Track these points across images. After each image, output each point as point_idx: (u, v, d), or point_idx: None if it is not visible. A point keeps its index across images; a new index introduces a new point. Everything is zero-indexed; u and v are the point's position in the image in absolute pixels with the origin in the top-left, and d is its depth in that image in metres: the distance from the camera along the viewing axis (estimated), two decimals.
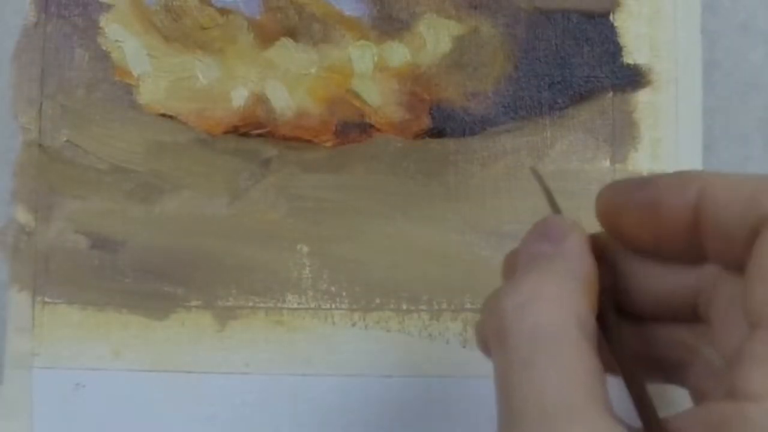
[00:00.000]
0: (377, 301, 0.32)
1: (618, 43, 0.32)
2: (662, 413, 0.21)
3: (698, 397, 0.23)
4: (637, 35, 0.32)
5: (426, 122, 0.32)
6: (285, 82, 0.33)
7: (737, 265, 0.21)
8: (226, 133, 0.33)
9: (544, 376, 0.20)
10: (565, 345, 0.20)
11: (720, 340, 0.22)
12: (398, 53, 0.33)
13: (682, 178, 0.22)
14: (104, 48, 0.33)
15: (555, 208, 0.25)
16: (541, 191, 0.25)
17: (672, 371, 0.24)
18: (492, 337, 0.21)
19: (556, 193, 0.31)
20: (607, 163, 0.32)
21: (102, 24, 0.33)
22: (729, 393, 0.19)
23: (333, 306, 0.32)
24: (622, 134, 0.32)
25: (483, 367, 0.32)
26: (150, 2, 0.33)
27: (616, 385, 0.22)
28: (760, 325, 0.19)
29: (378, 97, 0.32)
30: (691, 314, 0.23)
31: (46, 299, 0.32)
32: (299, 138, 0.33)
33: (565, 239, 0.23)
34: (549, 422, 0.19)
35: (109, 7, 0.33)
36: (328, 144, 0.32)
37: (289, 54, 0.33)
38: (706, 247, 0.22)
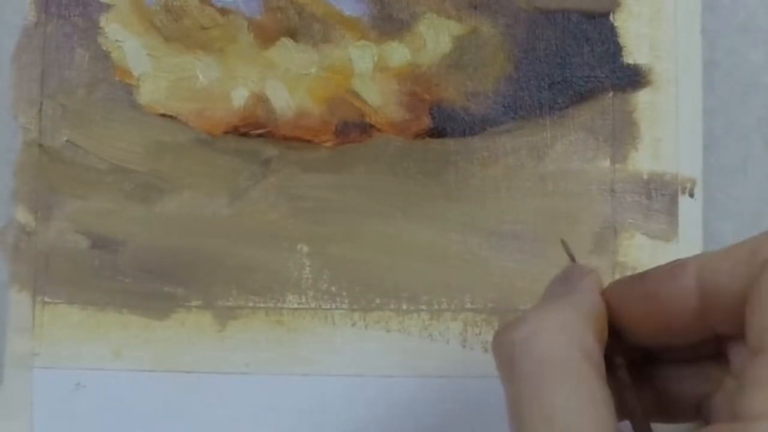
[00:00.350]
0: (377, 301, 0.32)
1: (618, 43, 0.32)
2: None
3: None
4: (637, 35, 0.32)
5: (426, 122, 0.32)
6: (285, 82, 0.33)
7: None
8: (226, 133, 0.33)
9: (550, 402, 0.21)
10: (571, 373, 0.21)
11: (735, 370, 0.23)
12: (398, 53, 0.33)
13: (675, 265, 0.23)
14: (104, 48, 0.33)
15: (573, 259, 0.27)
16: (566, 255, 0.27)
17: (692, 405, 0.24)
18: (502, 368, 0.22)
19: (556, 193, 0.32)
20: (607, 163, 0.32)
21: (102, 24, 0.33)
22: (732, 415, 0.20)
23: (333, 306, 0.32)
24: (622, 134, 0.32)
25: (483, 367, 0.32)
26: (150, 2, 0.33)
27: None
28: (761, 350, 0.20)
29: (378, 97, 0.32)
30: (715, 350, 0.23)
31: (46, 299, 0.32)
32: (299, 138, 0.33)
33: (579, 281, 0.24)
34: None
35: (109, 7, 0.33)
36: (328, 144, 0.33)
37: (289, 54, 0.33)
38: (719, 328, 0.22)
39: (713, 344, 0.23)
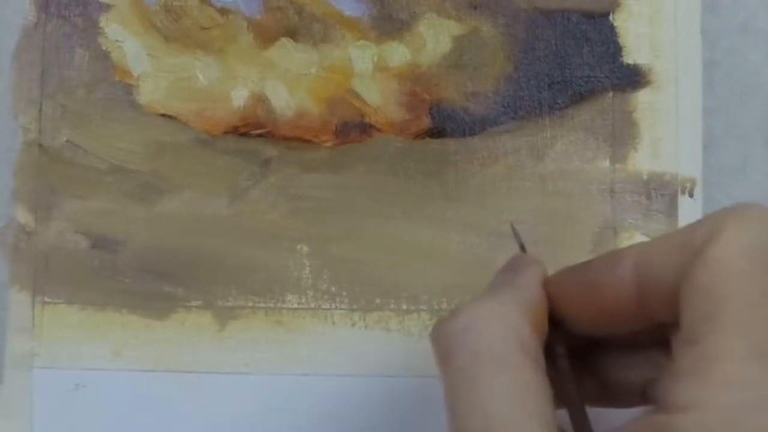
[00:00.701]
0: (377, 301, 0.32)
1: (618, 43, 0.32)
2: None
3: None
4: (637, 35, 0.32)
5: (426, 122, 0.32)
6: (285, 82, 0.33)
7: None
8: (226, 133, 0.33)
9: (486, 394, 0.21)
10: (505, 363, 0.21)
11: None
12: (398, 53, 0.33)
13: (613, 256, 0.23)
14: (104, 48, 0.33)
15: (522, 249, 0.27)
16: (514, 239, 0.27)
17: (637, 391, 0.24)
18: (438, 361, 0.23)
19: (556, 193, 0.31)
20: (607, 163, 0.32)
21: (102, 24, 0.33)
22: (661, 406, 0.20)
23: (333, 306, 0.32)
24: (622, 134, 0.32)
25: None
26: (150, 2, 0.33)
27: None
28: (692, 341, 0.20)
29: (378, 97, 0.32)
30: (659, 336, 0.23)
31: (46, 299, 0.32)
32: (299, 138, 0.33)
33: (521, 271, 0.24)
34: None
35: (109, 7, 0.33)
36: (328, 144, 0.33)
37: (289, 54, 0.33)
38: (657, 317, 0.22)
39: (656, 331, 0.23)
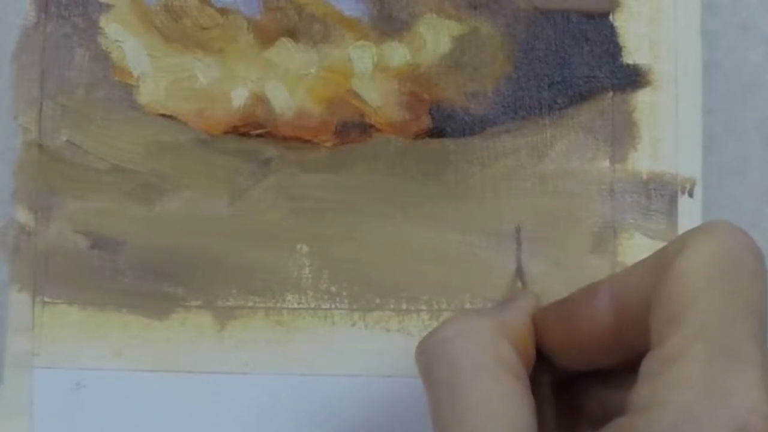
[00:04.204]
0: (377, 301, 0.32)
1: (618, 43, 0.32)
2: None
3: None
4: (637, 35, 0.32)
5: (426, 122, 0.32)
6: (285, 82, 0.33)
7: None
8: (226, 133, 0.33)
9: (463, 403, 0.21)
10: (483, 375, 0.22)
11: None
12: (398, 53, 0.33)
13: (590, 287, 0.24)
14: (104, 48, 0.33)
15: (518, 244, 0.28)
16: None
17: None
18: (421, 375, 0.23)
19: (556, 193, 0.32)
20: (607, 163, 0.32)
21: (102, 24, 0.33)
22: (626, 409, 0.20)
23: (333, 306, 0.32)
24: (622, 134, 0.32)
25: None
26: (150, 2, 0.33)
27: None
28: (654, 346, 0.21)
29: (378, 97, 0.32)
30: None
31: (46, 299, 0.32)
32: (299, 138, 0.33)
33: (511, 298, 0.25)
34: None
35: (109, 7, 0.33)
36: (328, 144, 0.33)
37: (289, 54, 0.33)
38: (637, 344, 0.22)
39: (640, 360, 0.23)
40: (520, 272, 0.28)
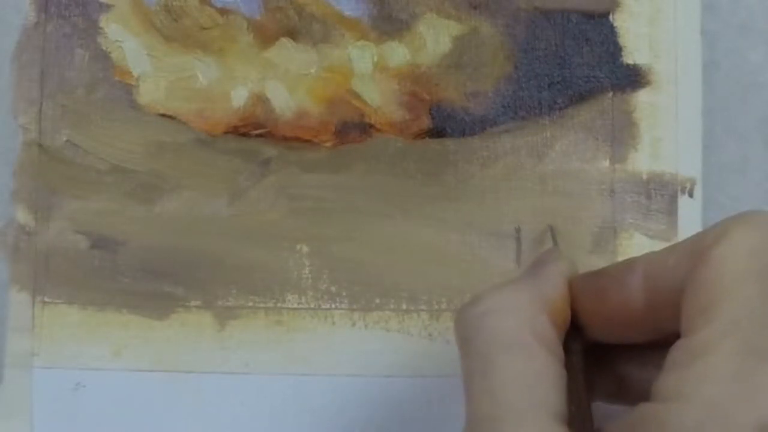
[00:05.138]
0: (377, 301, 0.32)
1: (618, 43, 0.32)
2: None
3: None
4: (637, 35, 0.32)
5: (426, 122, 0.32)
6: (285, 82, 0.33)
7: None
8: (226, 133, 0.33)
9: (496, 379, 0.21)
10: (518, 349, 0.22)
11: None
12: (398, 53, 0.33)
13: (625, 264, 0.23)
14: (104, 48, 0.33)
15: (555, 242, 0.28)
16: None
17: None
18: (459, 345, 0.23)
19: (556, 193, 0.32)
20: (607, 163, 0.32)
21: (102, 24, 0.33)
22: (651, 397, 0.20)
23: (333, 306, 0.32)
24: (622, 134, 0.32)
25: None
26: (150, 2, 0.33)
27: None
28: (684, 334, 0.21)
29: (378, 97, 0.32)
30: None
31: (46, 299, 0.32)
32: (299, 138, 0.33)
33: (546, 264, 0.25)
34: (496, 425, 0.21)
35: (109, 7, 0.33)
36: (328, 144, 0.33)
37: (289, 54, 0.33)
38: (666, 326, 0.22)
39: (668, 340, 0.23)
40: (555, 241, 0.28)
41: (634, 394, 0.25)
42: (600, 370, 0.25)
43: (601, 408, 0.25)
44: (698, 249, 0.21)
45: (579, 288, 0.24)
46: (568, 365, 0.23)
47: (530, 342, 0.22)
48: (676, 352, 0.20)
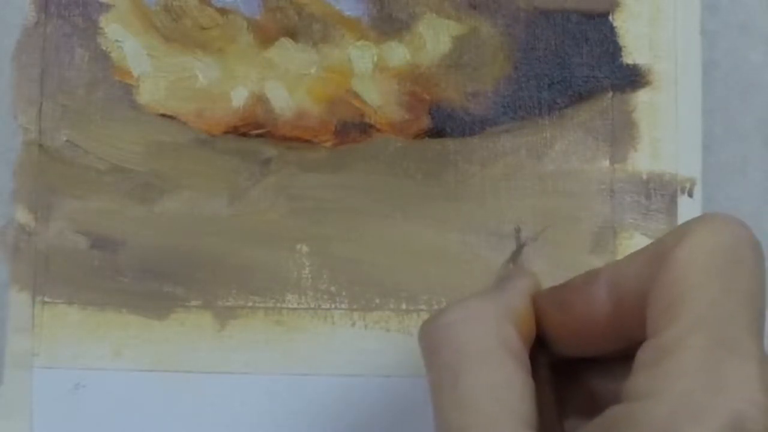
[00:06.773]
0: (377, 301, 0.32)
1: (618, 43, 0.32)
2: None
3: None
4: (637, 35, 0.32)
5: (426, 122, 0.32)
6: (285, 82, 0.33)
7: None
8: (226, 133, 0.33)
9: (466, 388, 0.21)
10: (487, 358, 0.22)
11: None
12: (398, 53, 0.33)
13: (588, 274, 0.23)
14: (104, 48, 0.33)
15: (514, 259, 0.28)
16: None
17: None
18: (424, 357, 0.23)
19: (556, 193, 0.32)
20: (607, 163, 0.32)
21: (102, 24, 0.33)
22: (622, 397, 0.20)
23: (333, 306, 0.32)
24: (622, 134, 0.32)
25: None
26: (150, 2, 0.33)
27: None
28: (649, 335, 0.21)
29: (378, 97, 0.33)
30: None
31: (46, 299, 0.32)
32: (299, 138, 0.33)
33: (510, 279, 0.25)
34: None
35: (109, 7, 0.33)
36: (328, 144, 0.33)
37: (288, 54, 0.33)
38: (633, 334, 0.22)
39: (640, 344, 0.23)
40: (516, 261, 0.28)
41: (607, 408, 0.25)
42: (570, 386, 0.25)
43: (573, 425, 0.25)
44: (660, 252, 0.21)
45: (544, 302, 0.24)
46: (536, 378, 0.23)
47: (498, 351, 0.22)
48: (644, 352, 0.21)
